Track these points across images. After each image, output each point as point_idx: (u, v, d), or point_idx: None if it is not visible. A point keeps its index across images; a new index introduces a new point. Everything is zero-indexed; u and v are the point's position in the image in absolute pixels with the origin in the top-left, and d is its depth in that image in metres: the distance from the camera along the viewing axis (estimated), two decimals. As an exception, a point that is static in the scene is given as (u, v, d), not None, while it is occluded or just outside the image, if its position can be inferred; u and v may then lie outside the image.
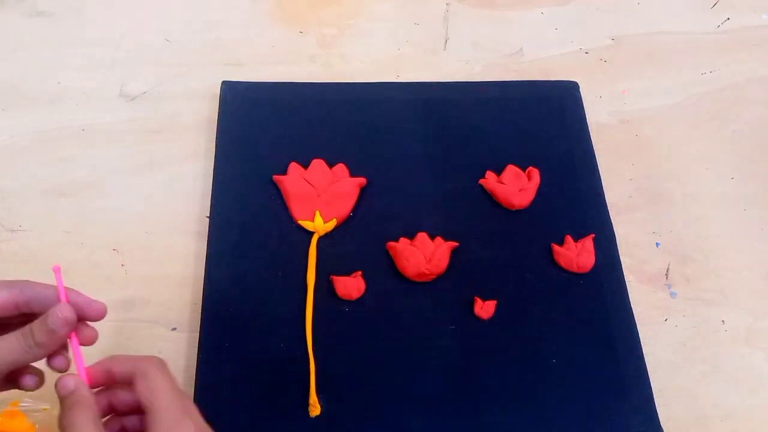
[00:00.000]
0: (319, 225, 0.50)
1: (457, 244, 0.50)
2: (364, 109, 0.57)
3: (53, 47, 0.60)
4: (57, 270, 0.30)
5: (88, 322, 0.32)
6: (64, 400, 0.29)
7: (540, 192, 0.53)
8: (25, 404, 0.44)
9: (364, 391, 0.45)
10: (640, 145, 0.58)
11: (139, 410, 0.31)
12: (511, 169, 0.53)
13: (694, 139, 0.59)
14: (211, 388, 0.44)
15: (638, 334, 0.48)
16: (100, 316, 0.31)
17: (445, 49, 0.63)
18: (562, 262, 0.50)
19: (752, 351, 0.49)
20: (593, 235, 0.51)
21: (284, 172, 0.52)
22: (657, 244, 0.53)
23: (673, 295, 0.51)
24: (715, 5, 0.68)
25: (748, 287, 0.52)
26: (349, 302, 0.48)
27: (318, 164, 0.53)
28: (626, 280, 0.50)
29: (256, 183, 0.52)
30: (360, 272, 0.48)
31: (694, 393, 0.47)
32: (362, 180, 0.52)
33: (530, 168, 0.54)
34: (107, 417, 0.32)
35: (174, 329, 0.47)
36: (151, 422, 0.29)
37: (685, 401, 0.47)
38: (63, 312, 0.30)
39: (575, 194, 0.53)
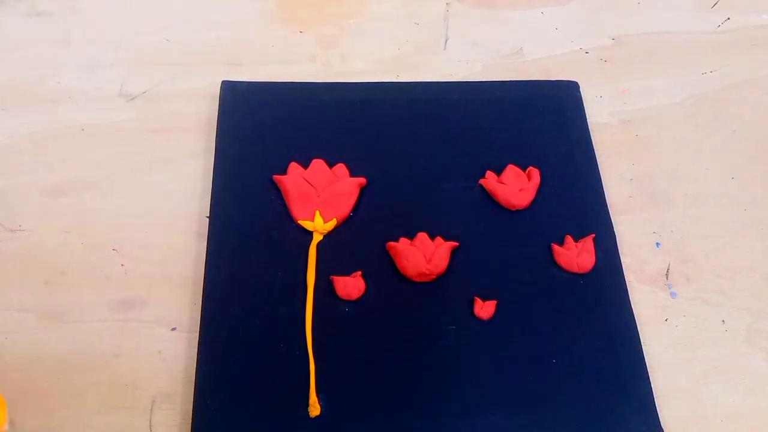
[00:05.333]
0: (319, 225, 0.50)
1: (457, 244, 0.50)
2: (364, 109, 0.57)
3: (53, 47, 0.60)
4: None
5: None
6: None
7: (540, 192, 0.53)
8: None
9: (364, 391, 0.45)
10: (640, 145, 0.58)
11: None
12: (511, 169, 0.53)
13: (694, 139, 0.59)
14: (211, 388, 0.44)
15: (638, 334, 0.48)
16: None
17: (445, 49, 0.63)
18: (562, 262, 0.50)
19: (752, 351, 0.49)
20: (593, 235, 0.51)
21: (284, 172, 0.52)
22: (657, 244, 0.53)
23: (673, 295, 0.51)
24: (716, 5, 0.68)
25: (748, 287, 0.52)
26: (349, 302, 0.48)
27: (318, 164, 0.53)
28: (626, 280, 0.50)
29: (256, 183, 0.52)
30: (360, 272, 0.48)
31: (694, 393, 0.47)
32: (362, 180, 0.52)
33: (530, 168, 0.54)
34: None
35: (174, 329, 0.47)
36: None
37: (685, 401, 0.47)
38: None
39: (575, 194, 0.53)
